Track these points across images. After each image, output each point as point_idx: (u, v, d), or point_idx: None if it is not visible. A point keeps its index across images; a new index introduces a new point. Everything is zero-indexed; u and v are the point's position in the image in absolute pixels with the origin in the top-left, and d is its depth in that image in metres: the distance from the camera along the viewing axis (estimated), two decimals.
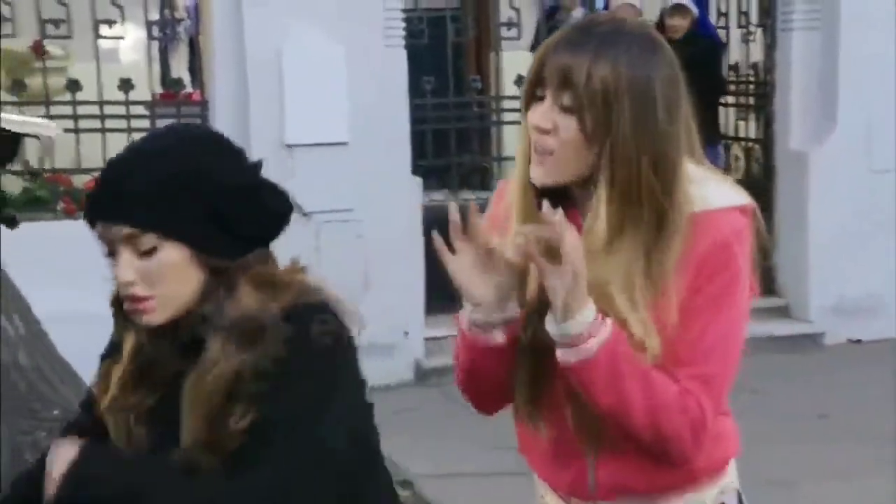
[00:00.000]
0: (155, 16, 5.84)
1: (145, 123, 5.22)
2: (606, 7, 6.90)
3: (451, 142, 5.66)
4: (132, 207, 1.33)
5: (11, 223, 1.38)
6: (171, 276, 1.35)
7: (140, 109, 5.33)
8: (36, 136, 1.26)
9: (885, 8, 5.48)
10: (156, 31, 5.76)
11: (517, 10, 5.70)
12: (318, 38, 5.01)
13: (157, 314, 1.37)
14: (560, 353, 1.43)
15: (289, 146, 5.02)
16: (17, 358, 2.48)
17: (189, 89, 7.54)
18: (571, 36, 1.45)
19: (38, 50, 6.73)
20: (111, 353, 1.48)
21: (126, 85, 5.17)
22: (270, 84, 5.00)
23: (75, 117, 5.09)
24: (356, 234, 5.14)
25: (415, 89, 5.37)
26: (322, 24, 5.00)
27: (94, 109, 5.17)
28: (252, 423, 1.33)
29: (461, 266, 1.44)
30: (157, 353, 1.41)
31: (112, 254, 1.36)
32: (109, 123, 5.15)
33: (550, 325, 1.42)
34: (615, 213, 1.43)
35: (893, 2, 5.50)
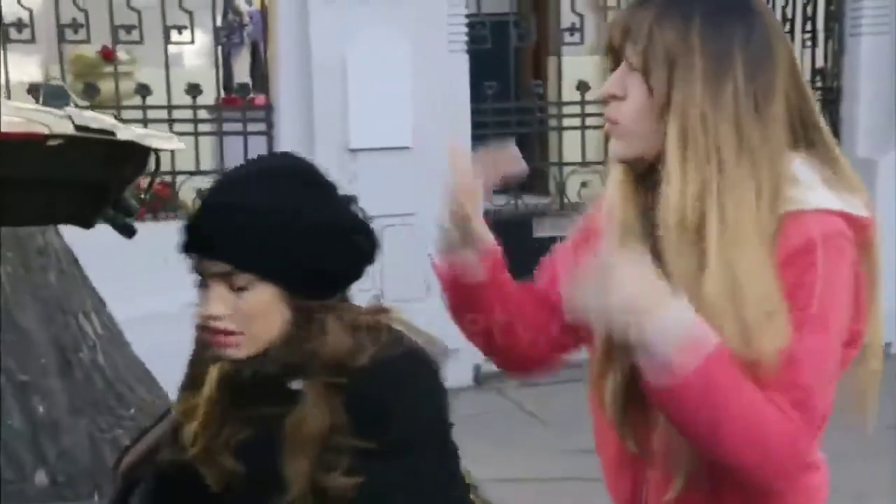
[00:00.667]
0: (219, 21, 5.92)
1: (212, 128, 5.31)
2: None
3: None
4: (231, 246, 1.33)
5: (129, 232, 1.40)
6: (260, 314, 1.35)
7: (205, 113, 5.42)
8: (158, 150, 1.29)
9: None
10: (221, 37, 5.83)
11: (581, 16, 5.69)
12: (382, 43, 5.05)
13: (241, 350, 1.37)
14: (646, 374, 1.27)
15: (352, 150, 5.07)
16: (96, 357, 2.54)
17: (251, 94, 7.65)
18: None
19: (108, 55, 6.88)
20: (189, 386, 1.47)
21: (194, 90, 5.25)
22: (335, 88, 5.05)
23: (145, 121, 5.18)
24: (418, 238, 5.16)
25: (475, 94, 5.39)
26: (386, 28, 5.04)
27: (163, 114, 5.26)
28: (369, 483, 1.33)
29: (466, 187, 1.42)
30: (243, 388, 1.40)
31: (203, 285, 1.36)
32: (177, 128, 5.24)
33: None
34: (693, 186, 1.30)
35: None
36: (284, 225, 1.33)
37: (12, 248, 2.46)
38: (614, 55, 1.37)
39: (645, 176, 1.38)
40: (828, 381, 1.31)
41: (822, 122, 1.39)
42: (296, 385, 1.36)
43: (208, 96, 5.59)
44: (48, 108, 1.30)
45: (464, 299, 1.50)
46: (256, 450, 1.39)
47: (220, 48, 7.01)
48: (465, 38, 5.28)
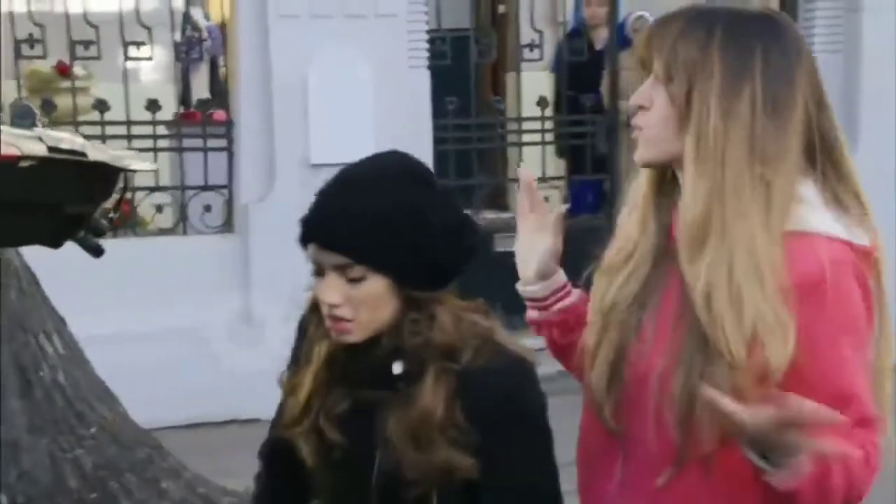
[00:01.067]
0: (177, 37, 5.89)
1: (170, 143, 5.27)
2: (622, 27, 6.94)
3: (472, 162, 5.68)
4: (349, 239, 1.43)
5: (98, 252, 1.39)
6: (372, 303, 1.45)
7: (164, 129, 5.38)
8: (130, 171, 1.30)
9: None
10: (181, 53, 5.80)
11: (540, 32, 5.74)
12: (343, 58, 5.06)
13: (354, 335, 1.47)
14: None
15: (314, 166, 5.06)
16: (57, 376, 2.51)
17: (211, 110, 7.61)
18: (671, 13, 1.43)
19: (64, 70, 6.82)
20: (295, 362, 1.57)
21: (153, 105, 5.22)
22: (296, 104, 5.04)
23: (103, 137, 5.13)
24: None
25: (436, 109, 5.41)
26: (347, 43, 5.04)
27: (122, 129, 5.21)
28: (483, 479, 1.45)
29: (523, 240, 1.55)
30: (347, 368, 1.50)
31: (320, 273, 1.46)
32: (136, 144, 5.20)
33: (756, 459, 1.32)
34: (707, 196, 1.35)
35: None
36: (402, 223, 1.44)
37: None
38: (644, 67, 1.45)
39: (668, 185, 1.46)
40: (867, 381, 1.37)
41: (842, 137, 1.43)
42: (397, 369, 1.47)
43: (166, 112, 5.56)
44: (17, 129, 1.29)
45: (567, 327, 1.58)
46: (354, 426, 1.49)
47: (178, 64, 6.99)
48: (427, 54, 5.30)
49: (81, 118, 5.30)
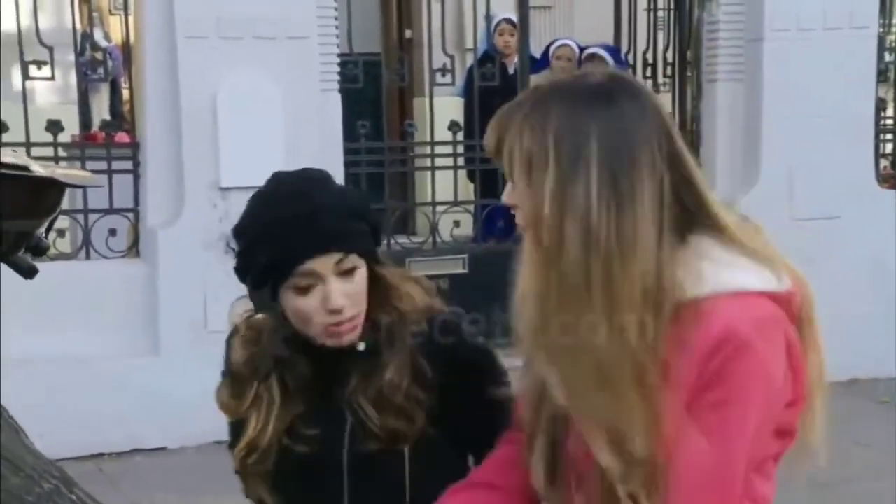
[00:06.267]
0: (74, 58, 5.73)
1: (74, 165, 5.12)
2: (545, 54, 7.03)
3: (384, 186, 5.66)
4: (340, 233, 1.53)
5: (31, 273, 1.31)
6: (363, 292, 1.56)
7: (65, 151, 5.22)
8: (78, 187, 1.25)
9: (805, 58, 5.68)
10: (83, 73, 5.65)
11: (451, 57, 5.76)
12: (253, 81, 4.99)
13: (356, 332, 1.56)
14: None
15: (223, 188, 4.97)
16: None
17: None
18: (516, 101, 1.36)
19: None
20: (231, 378, 1.62)
21: (55, 126, 5.07)
22: (204, 126, 4.95)
23: None
24: None
25: (347, 133, 5.38)
26: (257, 66, 4.98)
27: (21, 151, 5.04)
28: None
29: None
30: (301, 367, 1.59)
31: (305, 291, 1.51)
32: None
33: None
34: (537, 286, 1.30)
35: (814, 52, 5.69)
36: (361, 208, 1.59)
37: None
38: (494, 155, 1.37)
39: None
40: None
41: (711, 197, 1.35)
42: (361, 347, 1.57)
43: (67, 134, 5.40)
44: None
45: None
46: (322, 417, 1.58)
47: (79, 84, 6.81)
48: (338, 77, 5.27)
49: None
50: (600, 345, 1.26)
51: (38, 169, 1.21)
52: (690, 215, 1.32)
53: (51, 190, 1.25)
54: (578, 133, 1.28)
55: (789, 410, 1.35)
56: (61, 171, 1.24)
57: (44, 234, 1.29)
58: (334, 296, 1.50)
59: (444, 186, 5.86)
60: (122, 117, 8.00)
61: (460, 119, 6.03)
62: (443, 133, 5.84)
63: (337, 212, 1.53)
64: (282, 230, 1.51)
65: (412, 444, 1.58)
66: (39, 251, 1.30)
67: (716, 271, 1.28)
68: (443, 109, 6.03)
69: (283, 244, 1.50)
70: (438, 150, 5.86)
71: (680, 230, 1.31)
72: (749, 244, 1.34)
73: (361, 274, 1.55)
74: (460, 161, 5.92)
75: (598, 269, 1.26)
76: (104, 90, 8.50)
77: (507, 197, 1.36)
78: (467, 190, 6.26)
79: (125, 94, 8.77)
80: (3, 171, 1.19)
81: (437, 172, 5.82)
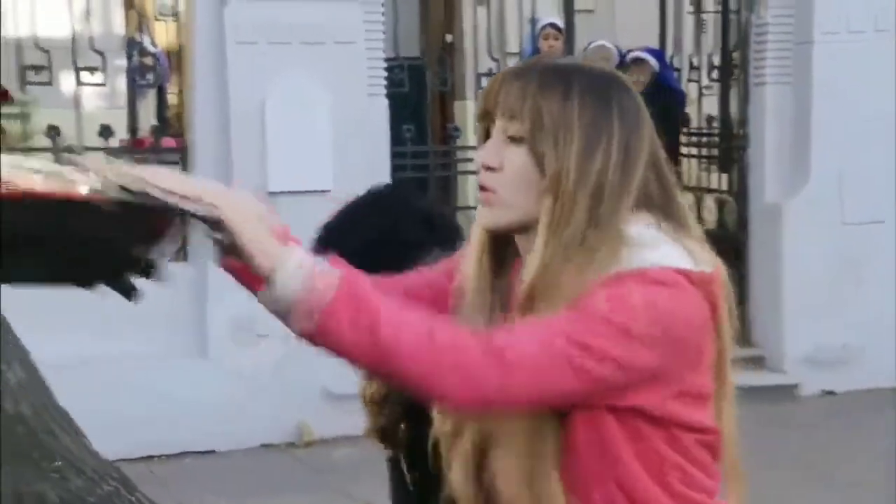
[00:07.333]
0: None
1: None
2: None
3: (429, 190, 5.68)
4: None
5: (132, 294, 1.28)
6: None
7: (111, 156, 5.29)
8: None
9: (855, 60, 5.62)
10: (137, 79, 5.72)
11: (497, 61, 5.77)
12: (301, 86, 5.02)
13: None
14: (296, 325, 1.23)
15: (271, 193, 4.99)
16: (20, 407, 2.42)
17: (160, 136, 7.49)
18: (521, 67, 1.39)
19: (4, 96, 6.69)
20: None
21: (106, 131, 5.13)
22: (253, 131, 4.99)
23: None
24: None
25: (394, 137, 5.40)
26: (306, 71, 5.01)
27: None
28: None
29: None
30: None
31: None
32: None
33: (265, 297, 1.23)
34: (552, 257, 1.30)
35: (864, 54, 5.63)
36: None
37: None
38: (484, 120, 1.37)
39: (504, 243, 1.40)
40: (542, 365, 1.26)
41: (678, 196, 1.39)
42: None
43: (116, 139, 5.46)
44: (61, 164, 1.22)
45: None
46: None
47: (130, 89, 6.90)
48: (385, 82, 5.29)
49: (23, 144, 5.20)
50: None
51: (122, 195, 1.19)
52: (655, 200, 1.36)
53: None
54: (599, 105, 1.33)
55: (700, 371, 1.34)
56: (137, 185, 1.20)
57: (159, 256, 1.27)
58: None
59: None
60: (167, 122, 8.08)
61: None
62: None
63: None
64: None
65: None
66: (147, 273, 1.28)
67: (630, 252, 1.30)
68: None
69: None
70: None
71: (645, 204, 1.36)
72: (692, 233, 1.37)
73: None
74: None
75: (587, 241, 1.30)
76: (150, 95, 8.58)
77: (489, 158, 1.35)
78: None
79: (170, 98, 8.87)
80: (143, 201, 1.18)
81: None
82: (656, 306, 1.26)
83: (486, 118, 1.37)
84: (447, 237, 1.76)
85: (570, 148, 1.31)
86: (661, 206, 1.36)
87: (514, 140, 1.33)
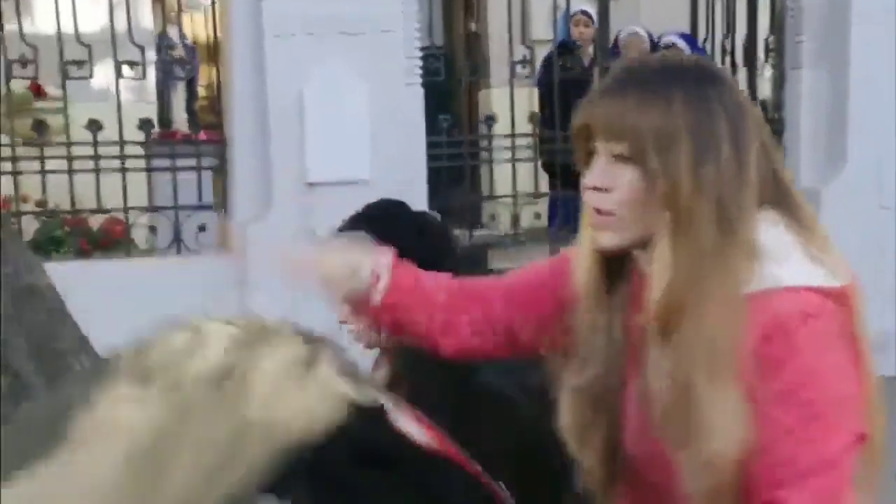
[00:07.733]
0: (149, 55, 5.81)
1: (164, 163, 5.23)
2: (615, 44, 6.99)
3: (465, 180, 5.68)
4: None
5: None
6: None
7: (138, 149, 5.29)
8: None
9: (892, 44, 5.59)
10: (170, 72, 5.76)
11: (530, 48, 5.76)
12: (339, 76, 5.03)
13: None
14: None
15: (310, 184, 5.02)
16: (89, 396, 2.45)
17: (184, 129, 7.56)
18: (614, 83, 1.34)
19: (38, 90, 6.72)
20: None
21: (146, 125, 5.16)
22: (291, 122, 5.00)
23: (96, 157, 5.06)
24: None
25: (429, 126, 5.40)
26: (343, 62, 5.02)
27: (114, 150, 5.13)
28: None
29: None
30: None
31: None
32: (128, 164, 5.14)
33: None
34: (685, 272, 1.28)
35: None
36: None
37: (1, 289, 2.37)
38: (582, 139, 1.36)
39: (616, 263, 1.39)
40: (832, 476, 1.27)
41: (789, 176, 1.38)
42: None
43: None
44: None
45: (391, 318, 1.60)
46: None
47: (159, 83, 6.95)
48: (420, 71, 5.30)
49: (58, 139, 5.23)
50: (714, 330, 1.26)
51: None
52: (770, 192, 1.34)
53: None
54: (703, 110, 1.30)
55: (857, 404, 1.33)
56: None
57: None
58: None
59: (524, 178, 5.85)
60: (195, 114, 8.13)
61: (529, 111, 6.02)
62: (519, 125, 5.82)
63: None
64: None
65: None
66: None
67: (770, 268, 1.29)
68: (517, 101, 6.03)
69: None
70: (519, 142, 5.84)
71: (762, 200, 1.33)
72: (817, 231, 1.36)
73: None
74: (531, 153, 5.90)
75: (729, 242, 1.28)
76: (180, 88, 8.63)
77: (599, 180, 1.34)
78: (528, 182, 6.20)
79: (200, 91, 8.91)
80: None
81: (518, 164, 5.81)
82: (827, 360, 1.28)
83: (583, 132, 1.36)
84: (438, 244, 1.86)
85: (679, 158, 1.29)
86: (779, 200, 1.34)
87: (621, 159, 1.32)
